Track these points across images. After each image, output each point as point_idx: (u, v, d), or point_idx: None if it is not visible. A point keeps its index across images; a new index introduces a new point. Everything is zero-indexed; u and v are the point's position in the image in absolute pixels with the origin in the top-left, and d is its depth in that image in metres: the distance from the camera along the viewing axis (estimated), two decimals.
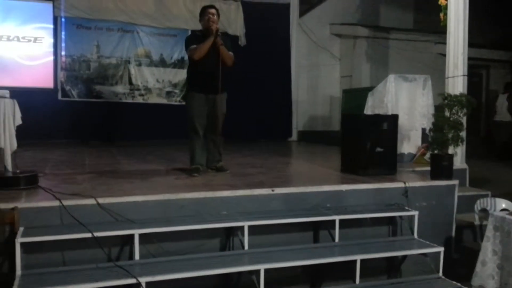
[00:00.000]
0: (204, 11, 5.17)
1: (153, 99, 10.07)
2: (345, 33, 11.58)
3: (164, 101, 10.14)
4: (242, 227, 3.94)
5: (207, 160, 5.30)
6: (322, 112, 11.76)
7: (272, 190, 4.34)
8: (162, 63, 10.15)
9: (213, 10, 5.12)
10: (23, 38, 9.06)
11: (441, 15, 6.30)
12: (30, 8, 9.11)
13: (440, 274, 4.20)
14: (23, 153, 6.00)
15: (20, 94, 5.22)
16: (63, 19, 9.35)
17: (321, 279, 4.33)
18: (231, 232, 4.07)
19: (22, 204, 3.61)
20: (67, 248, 3.60)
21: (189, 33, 10.07)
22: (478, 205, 4.83)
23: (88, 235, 3.47)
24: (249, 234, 3.94)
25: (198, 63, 5.01)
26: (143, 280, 3.28)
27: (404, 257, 4.45)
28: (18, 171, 4.35)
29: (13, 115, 4.27)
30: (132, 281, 3.27)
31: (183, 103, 10.12)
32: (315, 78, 11.65)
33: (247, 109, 9.84)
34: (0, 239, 3.35)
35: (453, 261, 4.81)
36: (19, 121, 4.40)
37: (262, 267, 3.63)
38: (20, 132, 4.40)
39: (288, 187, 4.50)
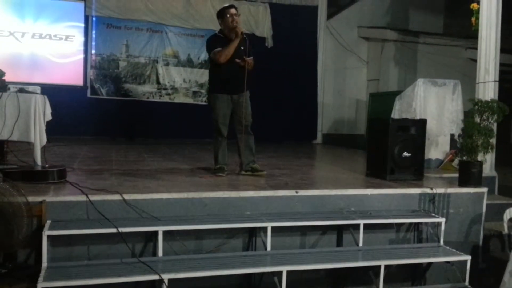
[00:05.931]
0: (223, 11, 4.92)
1: (180, 99, 10.18)
2: (373, 36, 11.45)
3: (190, 100, 10.24)
4: (265, 228, 3.93)
5: (241, 163, 5.17)
6: (348, 115, 11.66)
7: (296, 192, 4.31)
8: (189, 63, 10.24)
9: (233, 10, 4.91)
10: (55, 36, 9.26)
11: (473, 19, 6.18)
12: (62, 7, 9.30)
13: (466, 283, 4.11)
14: (52, 148, 6.14)
15: (51, 91, 5.37)
16: (94, 18, 9.53)
17: (344, 283, 4.30)
18: (254, 233, 4.06)
19: (50, 198, 3.67)
20: (92, 242, 3.66)
21: None
22: (507, 214, 4.70)
23: (113, 230, 3.51)
24: (272, 235, 3.93)
25: (222, 65, 4.93)
26: (166, 277, 3.30)
27: (429, 264, 4.38)
28: (47, 165, 4.43)
29: (43, 110, 4.36)
30: (155, 277, 3.30)
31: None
32: (342, 81, 11.58)
33: (273, 111, 9.85)
34: (28, 231, 3.41)
35: (480, 270, 4.70)
36: (49, 117, 4.51)
37: (284, 268, 3.61)
38: (50, 127, 4.50)
39: (312, 190, 4.46)
